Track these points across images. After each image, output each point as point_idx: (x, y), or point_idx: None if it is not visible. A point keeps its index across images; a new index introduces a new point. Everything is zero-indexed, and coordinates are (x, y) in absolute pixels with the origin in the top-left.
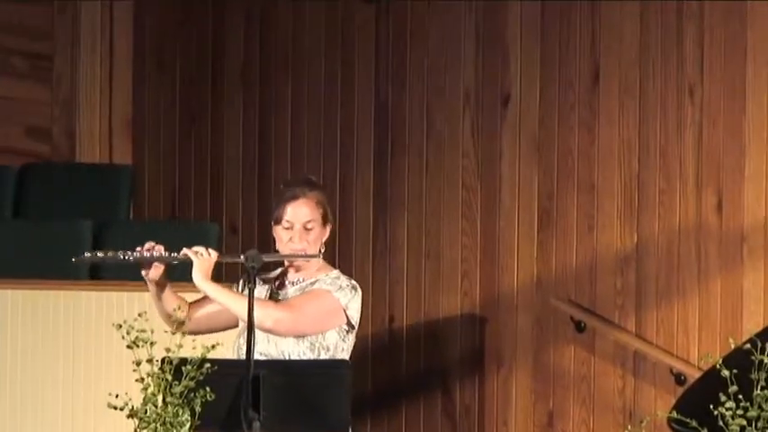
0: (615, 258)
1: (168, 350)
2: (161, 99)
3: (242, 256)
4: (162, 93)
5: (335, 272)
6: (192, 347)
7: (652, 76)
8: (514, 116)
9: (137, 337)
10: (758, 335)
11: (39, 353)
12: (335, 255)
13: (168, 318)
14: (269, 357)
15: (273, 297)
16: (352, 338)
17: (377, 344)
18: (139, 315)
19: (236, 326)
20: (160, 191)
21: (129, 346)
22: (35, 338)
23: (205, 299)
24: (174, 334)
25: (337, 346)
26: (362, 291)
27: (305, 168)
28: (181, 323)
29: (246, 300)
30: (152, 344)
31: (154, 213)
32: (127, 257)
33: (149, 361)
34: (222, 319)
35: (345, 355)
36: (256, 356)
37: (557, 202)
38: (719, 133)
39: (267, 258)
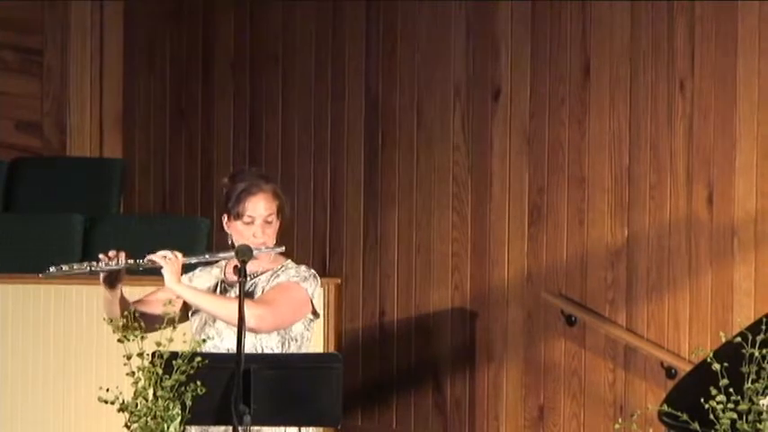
0: (606, 252)
1: (159, 344)
2: (151, 93)
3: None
4: (152, 87)
5: (290, 261)
6: (182, 341)
7: (642, 69)
8: (505, 110)
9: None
10: (749, 328)
11: (29, 347)
12: (326, 248)
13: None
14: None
15: (226, 291)
16: (313, 327)
17: (367, 338)
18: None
19: (185, 321)
20: (150, 185)
21: (119, 340)
22: (26, 332)
23: (148, 297)
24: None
25: (303, 335)
26: (353, 284)
27: (295, 162)
28: (172, 320)
29: (223, 299)
30: (142, 338)
31: (144, 208)
32: (94, 269)
33: (140, 355)
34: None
35: (310, 344)
36: (223, 352)
37: (547, 196)
38: (710, 127)
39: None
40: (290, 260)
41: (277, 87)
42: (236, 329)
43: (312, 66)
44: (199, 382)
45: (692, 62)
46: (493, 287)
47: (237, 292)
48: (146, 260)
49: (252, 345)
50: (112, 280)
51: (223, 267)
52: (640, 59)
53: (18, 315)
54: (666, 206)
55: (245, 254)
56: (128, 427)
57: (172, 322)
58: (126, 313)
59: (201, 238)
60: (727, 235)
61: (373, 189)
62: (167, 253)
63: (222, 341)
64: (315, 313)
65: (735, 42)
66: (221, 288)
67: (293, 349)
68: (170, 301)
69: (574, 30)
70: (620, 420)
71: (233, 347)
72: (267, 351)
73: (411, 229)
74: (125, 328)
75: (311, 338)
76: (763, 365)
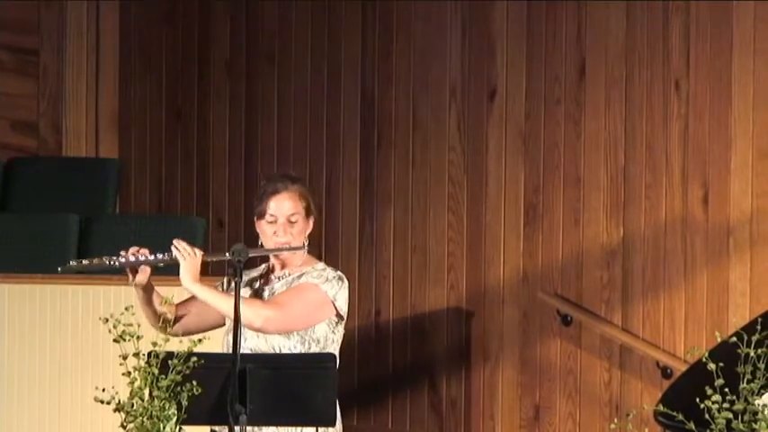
0: (601, 252)
1: (155, 344)
2: (147, 93)
3: (227, 253)
4: (148, 87)
5: (321, 264)
6: (178, 341)
7: (638, 69)
8: (501, 110)
9: (123, 331)
10: (744, 328)
11: (25, 347)
12: (322, 248)
13: (156, 322)
14: (259, 352)
15: (259, 293)
16: (341, 330)
17: (363, 337)
18: (126, 309)
19: (223, 325)
20: (146, 185)
21: (115, 340)
22: (22, 332)
23: (191, 299)
24: (164, 334)
25: (327, 338)
26: (349, 284)
27: (291, 162)
28: (168, 321)
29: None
30: (138, 338)
31: (140, 207)
32: (113, 263)
33: (136, 355)
34: (209, 319)
35: (335, 347)
36: (247, 352)
37: (543, 195)
38: (705, 127)
39: (253, 253)
40: (321, 263)
41: (272, 87)
42: (257, 332)
43: (308, 66)
44: (195, 382)
45: (688, 62)
46: (488, 287)
47: (273, 291)
48: (165, 254)
49: (271, 345)
50: (134, 275)
51: (262, 270)
52: (636, 59)
53: (14, 314)
54: (662, 206)
55: (240, 253)
56: (124, 426)
57: (167, 322)
58: (165, 316)
59: (197, 239)
60: (723, 235)
61: (369, 189)
62: (187, 247)
63: (246, 341)
64: (339, 316)
65: (730, 42)
66: (254, 288)
67: (315, 351)
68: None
69: (569, 30)
70: (615, 420)
71: (255, 347)
72: (285, 352)
73: (407, 229)
74: (161, 327)
75: (338, 341)
76: (759, 365)
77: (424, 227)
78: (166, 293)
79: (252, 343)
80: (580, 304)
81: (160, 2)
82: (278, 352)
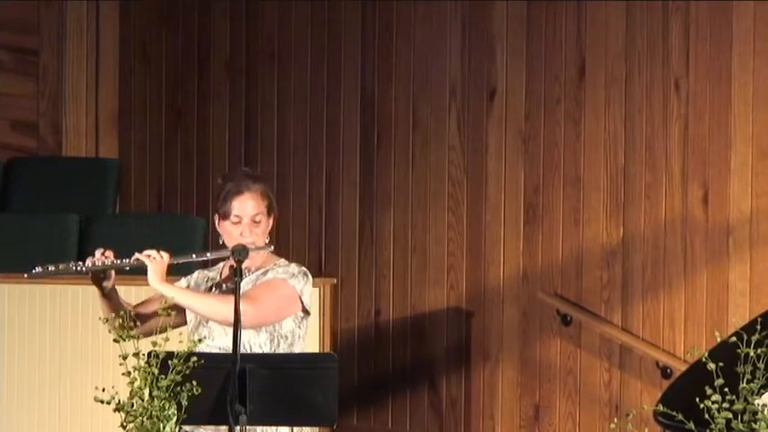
0: (601, 252)
1: (155, 344)
2: (147, 93)
3: (194, 255)
4: (148, 87)
5: (283, 260)
6: (178, 341)
7: (638, 69)
8: (501, 110)
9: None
10: (744, 328)
11: (25, 347)
12: (322, 248)
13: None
14: (228, 351)
15: (225, 293)
16: (306, 325)
17: (363, 337)
18: (125, 310)
19: (184, 325)
20: (146, 185)
21: (115, 340)
22: (21, 332)
23: (150, 301)
24: (121, 335)
25: (294, 333)
26: (349, 284)
27: (291, 162)
28: (131, 320)
29: (202, 295)
30: (138, 337)
31: (140, 207)
32: (79, 268)
33: (136, 355)
34: (171, 320)
35: (302, 342)
36: (215, 351)
37: (543, 195)
38: (705, 127)
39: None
40: (282, 259)
41: (272, 87)
42: (226, 329)
43: (308, 65)
44: (195, 382)
45: (687, 62)
46: (488, 287)
47: (224, 291)
48: (132, 259)
49: (240, 342)
50: (101, 280)
51: (220, 269)
52: (635, 59)
53: (13, 314)
54: (662, 206)
55: (240, 254)
56: (123, 426)
57: (164, 331)
58: (122, 313)
59: (197, 238)
60: (723, 235)
61: (369, 189)
62: (153, 252)
63: (213, 340)
64: (305, 311)
65: (730, 42)
66: (208, 288)
67: (283, 347)
68: (164, 301)
69: (569, 29)
70: (615, 420)
71: (224, 346)
72: (256, 348)
73: (407, 229)
74: (121, 327)
75: (304, 337)
76: (758, 365)
77: (424, 227)
78: (134, 296)
79: (220, 342)
80: (580, 304)
81: (160, 2)
82: (247, 348)
